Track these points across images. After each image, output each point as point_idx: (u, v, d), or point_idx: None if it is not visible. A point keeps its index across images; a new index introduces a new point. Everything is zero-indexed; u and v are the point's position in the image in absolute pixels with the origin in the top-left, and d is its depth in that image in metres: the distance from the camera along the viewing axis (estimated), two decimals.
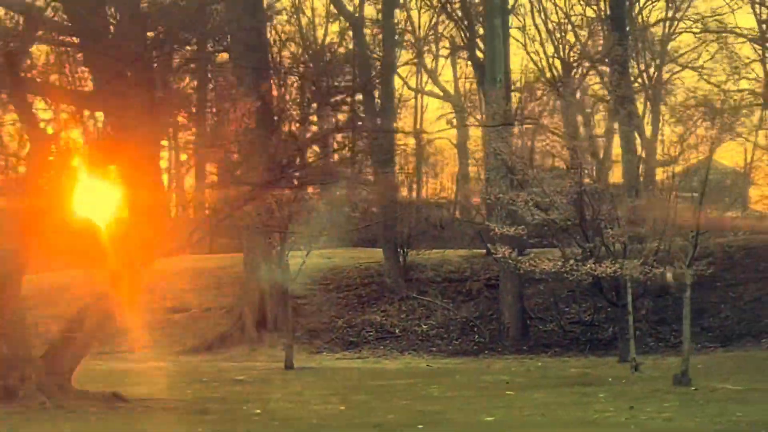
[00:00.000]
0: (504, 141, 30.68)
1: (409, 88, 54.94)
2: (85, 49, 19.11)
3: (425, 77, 53.66)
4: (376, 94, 40.38)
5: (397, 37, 47.85)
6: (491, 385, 22.53)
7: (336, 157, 25.89)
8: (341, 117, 32.33)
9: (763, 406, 17.76)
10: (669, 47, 50.60)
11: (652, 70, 50.10)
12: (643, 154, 34.77)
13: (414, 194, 41.88)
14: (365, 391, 21.46)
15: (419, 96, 55.40)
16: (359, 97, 39.02)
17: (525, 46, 42.87)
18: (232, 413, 17.68)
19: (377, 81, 35.98)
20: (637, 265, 27.49)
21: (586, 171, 28.52)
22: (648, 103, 51.85)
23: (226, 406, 18.65)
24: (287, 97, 26.12)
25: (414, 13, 49.48)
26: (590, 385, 22.22)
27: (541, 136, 35.41)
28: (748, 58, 46.25)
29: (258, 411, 17.72)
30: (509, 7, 43.56)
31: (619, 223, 28.33)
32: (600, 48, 40.84)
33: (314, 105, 26.37)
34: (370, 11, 45.98)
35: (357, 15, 40.53)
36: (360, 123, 31.61)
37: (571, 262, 28.25)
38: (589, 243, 28.81)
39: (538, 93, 37.22)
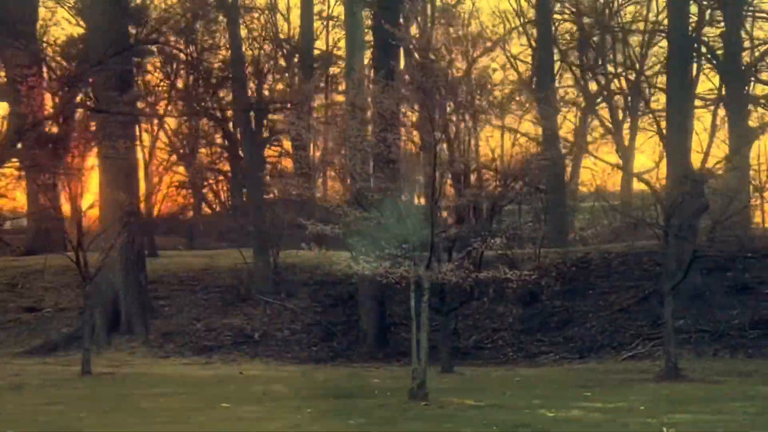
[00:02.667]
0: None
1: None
2: None
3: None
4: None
5: None
6: (229, 395, 20.75)
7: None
8: None
9: (456, 422, 15.96)
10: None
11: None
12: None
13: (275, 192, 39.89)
14: (69, 403, 19.50)
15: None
16: None
17: None
18: None
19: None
20: (452, 268, 25.57)
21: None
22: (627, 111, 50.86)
23: None
24: None
25: None
26: (346, 398, 20.43)
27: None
28: None
29: None
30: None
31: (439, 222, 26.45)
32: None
33: None
34: None
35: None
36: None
37: (387, 264, 26.26)
38: (406, 243, 26.83)
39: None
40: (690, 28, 34.37)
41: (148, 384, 23.81)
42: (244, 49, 47.14)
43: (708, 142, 30.33)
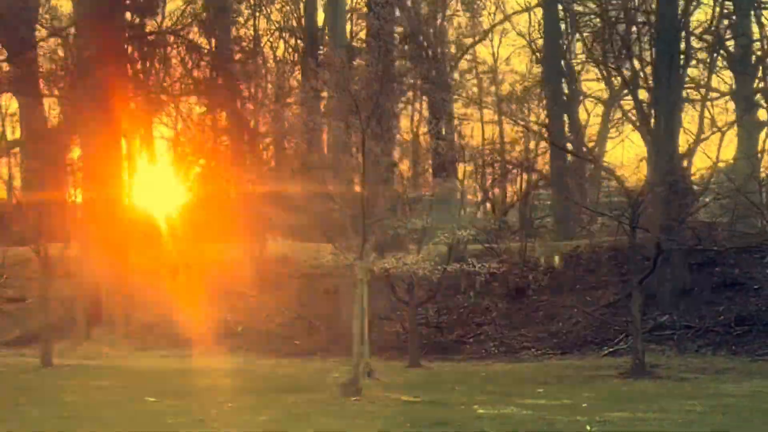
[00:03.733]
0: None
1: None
2: None
3: None
4: None
5: None
6: (167, 389, 20.22)
7: None
8: None
9: (372, 418, 15.28)
10: None
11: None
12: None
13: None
14: None
15: None
16: None
17: None
18: None
19: None
20: (420, 261, 24.89)
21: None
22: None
23: None
24: None
25: None
26: (284, 392, 19.80)
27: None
28: None
29: None
30: None
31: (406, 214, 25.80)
32: None
33: None
34: None
35: None
36: None
37: (353, 256, 25.55)
38: (370, 235, 26.09)
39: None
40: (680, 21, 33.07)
41: (97, 376, 23.40)
42: (263, 41, 46.91)
43: (695, 138, 29.11)
